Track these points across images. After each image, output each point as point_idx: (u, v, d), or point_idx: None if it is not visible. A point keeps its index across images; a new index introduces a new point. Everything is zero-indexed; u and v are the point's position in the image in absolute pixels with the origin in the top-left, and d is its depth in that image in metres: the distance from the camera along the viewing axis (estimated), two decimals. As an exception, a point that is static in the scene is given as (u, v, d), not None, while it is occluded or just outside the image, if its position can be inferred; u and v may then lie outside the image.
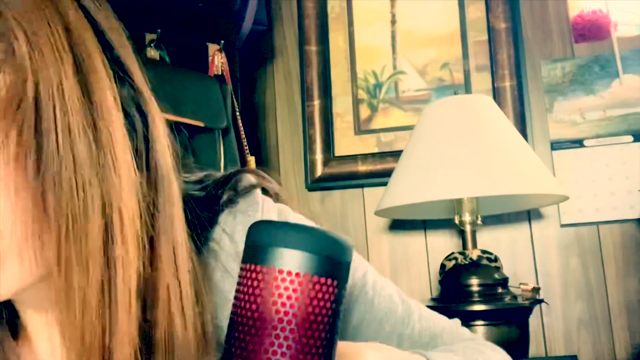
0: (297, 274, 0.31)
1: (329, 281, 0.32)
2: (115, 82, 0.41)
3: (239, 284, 0.33)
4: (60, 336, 0.39)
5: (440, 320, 0.65)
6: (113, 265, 0.39)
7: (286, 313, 0.31)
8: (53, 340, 0.48)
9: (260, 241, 0.32)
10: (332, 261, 0.32)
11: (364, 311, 0.55)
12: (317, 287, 0.31)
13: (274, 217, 0.52)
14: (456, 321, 0.66)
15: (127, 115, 0.42)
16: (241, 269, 0.33)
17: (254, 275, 0.32)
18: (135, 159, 0.42)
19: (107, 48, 0.42)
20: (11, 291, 0.40)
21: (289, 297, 0.31)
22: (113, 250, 0.39)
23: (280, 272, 0.31)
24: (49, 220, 0.38)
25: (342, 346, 0.36)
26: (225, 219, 0.50)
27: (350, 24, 1.62)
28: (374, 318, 0.48)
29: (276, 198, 0.54)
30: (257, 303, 0.31)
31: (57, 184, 0.37)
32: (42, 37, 0.37)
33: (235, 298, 0.33)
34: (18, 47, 0.37)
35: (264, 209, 0.51)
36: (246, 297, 0.32)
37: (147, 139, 0.43)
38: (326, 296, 0.32)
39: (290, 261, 0.31)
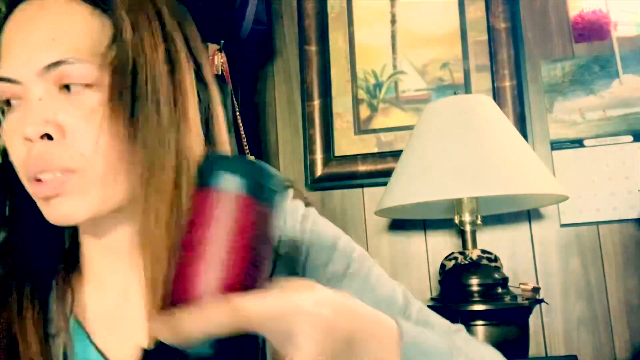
0: (227, 193, 0.38)
1: (251, 200, 0.39)
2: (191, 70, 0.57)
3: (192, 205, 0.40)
4: (141, 247, 0.52)
5: (439, 318, 0.64)
6: (180, 192, 0.52)
7: (216, 225, 0.38)
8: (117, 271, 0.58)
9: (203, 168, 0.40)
10: (258, 184, 0.39)
11: (361, 289, 0.59)
12: (241, 203, 0.38)
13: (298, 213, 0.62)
14: (458, 326, 0.66)
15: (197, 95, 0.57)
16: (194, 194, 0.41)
17: (199, 195, 0.39)
18: (202, 125, 0.57)
19: (187, 44, 0.57)
20: (90, 213, 0.52)
21: (220, 212, 0.38)
22: (181, 180, 0.52)
23: (212, 190, 0.39)
24: (135, 156, 0.52)
25: (293, 281, 0.40)
26: None
27: (350, 23, 1.62)
28: (371, 300, 0.50)
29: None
30: (200, 217, 0.39)
31: (145, 132, 0.51)
32: (143, 29, 0.53)
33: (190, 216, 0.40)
34: (125, 34, 0.52)
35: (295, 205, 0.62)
36: (195, 213, 0.39)
37: (209, 113, 0.58)
38: (250, 214, 0.38)
39: (220, 182, 0.38)
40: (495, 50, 1.51)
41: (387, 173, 1.34)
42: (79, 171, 0.51)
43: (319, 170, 1.55)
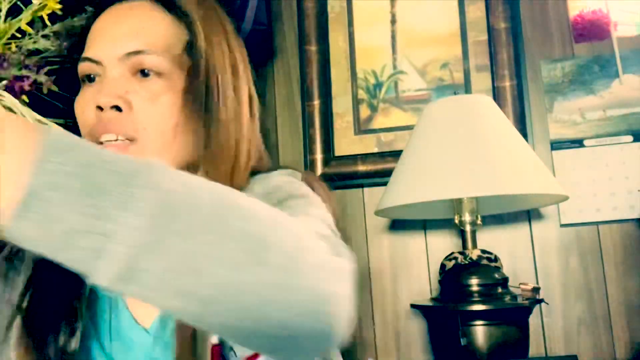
0: None
1: None
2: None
3: None
4: None
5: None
6: (236, 164, 0.64)
7: None
8: None
9: None
10: None
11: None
12: None
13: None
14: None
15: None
16: None
17: None
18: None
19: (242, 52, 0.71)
20: None
21: None
22: (238, 151, 0.65)
23: None
24: (192, 139, 0.63)
25: None
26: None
27: (350, 23, 1.62)
28: None
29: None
30: None
31: (214, 121, 0.63)
32: (214, 38, 0.66)
33: None
34: (198, 41, 0.64)
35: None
36: None
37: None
38: None
39: None
40: (495, 50, 1.51)
41: (387, 173, 1.34)
42: (139, 141, 0.61)
43: (319, 170, 1.55)
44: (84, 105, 0.64)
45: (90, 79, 0.65)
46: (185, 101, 0.63)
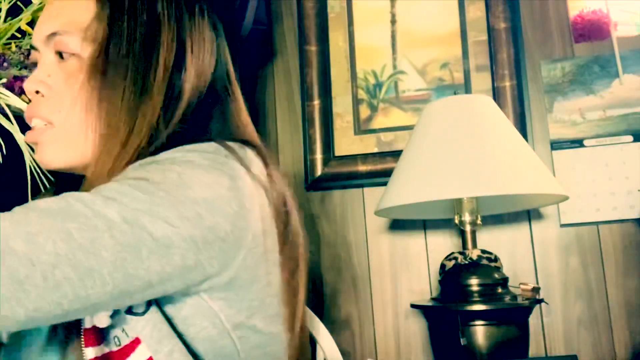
0: None
1: None
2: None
3: None
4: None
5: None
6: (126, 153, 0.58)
7: None
8: None
9: None
10: None
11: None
12: None
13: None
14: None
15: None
16: None
17: None
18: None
19: (178, 25, 0.64)
20: (63, 163, 0.61)
21: None
22: (128, 145, 0.58)
23: None
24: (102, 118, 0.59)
25: None
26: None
27: (350, 23, 1.62)
28: None
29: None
30: None
31: (108, 97, 0.59)
32: (122, 8, 0.61)
33: None
34: (103, 12, 0.61)
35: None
36: None
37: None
38: None
39: None
40: (495, 50, 1.51)
41: (387, 173, 1.34)
42: (56, 124, 0.61)
43: (319, 170, 1.55)
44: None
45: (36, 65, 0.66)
46: (90, 76, 0.60)
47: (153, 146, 0.59)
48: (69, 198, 0.48)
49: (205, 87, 0.65)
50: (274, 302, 0.60)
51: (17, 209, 0.46)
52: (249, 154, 0.60)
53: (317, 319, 1.13)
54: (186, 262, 0.49)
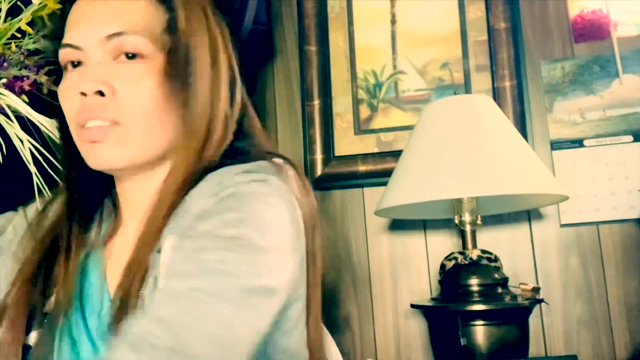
0: None
1: None
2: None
3: None
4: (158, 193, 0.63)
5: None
6: (208, 142, 0.64)
7: None
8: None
9: None
10: None
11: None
12: None
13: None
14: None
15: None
16: None
17: None
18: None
19: (224, 41, 0.70)
20: (127, 162, 0.63)
21: None
22: (211, 128, 0.65)
23: None
24: (172, 120, 0.64)
25: None
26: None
27: (350, 23, 1.62)
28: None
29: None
30: None
31: (189, 101, 0.63)
32: (194, 21, 0.65)
33: None
34: (177, 20, 0.64)
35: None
36: None
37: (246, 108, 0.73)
38: None
39: None
40: (495, 50, 1.51)
41: (387, 173, 1.34)
42: (122, 124, 0.62)
43: (319, 170, 1.55)
44: (68, 91, 0.65)
45: (73, 64, 0.66)
46: (165, 81, 0.63)
47: (218, 154, 0.65)
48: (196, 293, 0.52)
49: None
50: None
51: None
52: (290, 171, 0.65)
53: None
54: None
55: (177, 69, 0.63)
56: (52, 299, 0.64)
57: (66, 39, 0.65)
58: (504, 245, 1.44)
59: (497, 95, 1.48)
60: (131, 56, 0.63)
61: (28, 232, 0.70)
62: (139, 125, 0.63)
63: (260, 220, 0.57)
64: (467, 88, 1.52)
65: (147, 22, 0.64)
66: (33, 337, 0.61)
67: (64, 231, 0.68)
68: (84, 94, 0.62)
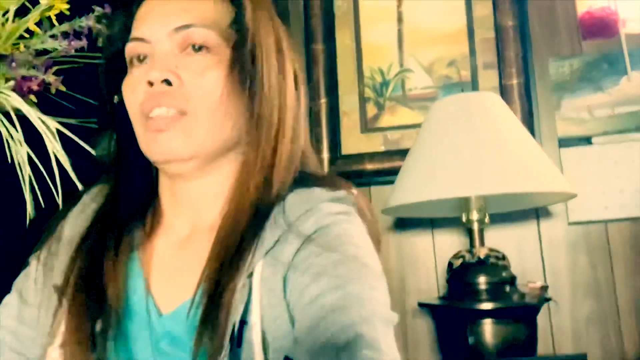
0: None
1: None
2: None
3: None
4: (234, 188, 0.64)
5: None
6: (279, 141, 0.64)
7: None
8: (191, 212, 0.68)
9: None
10: None
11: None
12: None
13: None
14: None
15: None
16: None
17: None
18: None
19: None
20: (191, 152, 0.63)
21: None
22: (282, 126, 0.65)
23: None
24: (239, 113, 0.64)
25: None
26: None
27: (357, 22, 1.62)
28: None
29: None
30: None
31: (257, 95, 0.64)
32: (261, 16, 0.66)
33: None
34: (245, 15, 0.65)
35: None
36: None
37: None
38: None
39: None
40: (503, 48, 1.50)
41: (394, 171, 1.34)
42: (188, 114, 0.62)
43: (326, 169, 1.55)
44: (134, 83, 0.65)
45: (139, 59, 0.66)
46: (232, 75, 0.63)
47: (293, 166, 0.66)
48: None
49: None
50: None
51: None
52: (362, 202, 0.66)
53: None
54: None
55: (244, 62, 0.64)
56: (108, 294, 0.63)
57: (134, 33, 0.66)
58: (512, 243, 1.44)
59: (504, 92, 1.47)
60: (198, 48, 0.63)
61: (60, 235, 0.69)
62: (204, 116, 0.62)
63: (362, 260, 0.59)
64: (474, 86, 1.51)
65: (215, 16, 0.65)
66: (98, 327, 0.61)
67: (109, 232, 0.67)
68: (151, 83, 0.62)
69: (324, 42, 1.60)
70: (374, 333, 0.52)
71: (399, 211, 1.36)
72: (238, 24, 0.65)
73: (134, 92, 0.64)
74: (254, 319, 0.56)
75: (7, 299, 0.69)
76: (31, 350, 0.66)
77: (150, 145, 0.63)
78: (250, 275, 0.58)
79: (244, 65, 0.64)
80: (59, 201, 0.75)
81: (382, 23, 1.60)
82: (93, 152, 0.72)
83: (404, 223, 1.51)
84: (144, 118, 0.63)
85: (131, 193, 0.70)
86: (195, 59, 0.63)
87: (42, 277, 0.67)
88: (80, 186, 0.73)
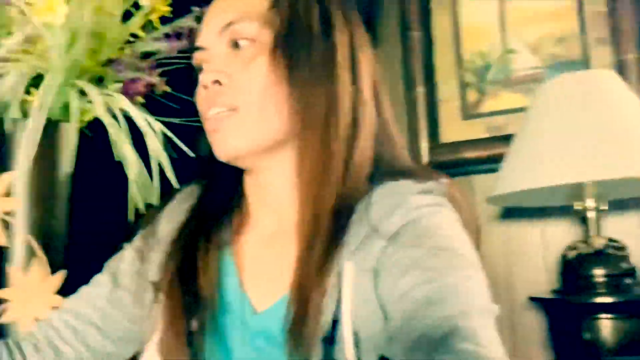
0: None
1: None
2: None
3: None
4: (297, 176, 0.62)
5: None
6: (330, 132, 0.62)
7: None
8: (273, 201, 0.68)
9: None
10: None
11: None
12: None
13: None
14: None
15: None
16: None
17: None
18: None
19: (343, 13, 0.67)
20: (249, 147, 0.63)
21: None
22: (335, 123, 0.62)
23: None
24: (290, 99, 0.62)
25: None
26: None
27: (455, 4, 1.56)
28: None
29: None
30: None
31: (299, 77, 0.62)
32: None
33: None
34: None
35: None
36: None
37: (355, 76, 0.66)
38: None
39: None
40: (618, 21, 1.38)
41: (498, 159, 1.28)
42: (239, 110, 0.62)
43: (425, 159, 1.51)
44: (198, 92, 0.67)
45: (201, 67, 0.68)
46: (275, 61, 0.62)
47: (362, 146, 0.63)
48: None
49: None
50: None
51: None
52: (456, 192, 0.66)
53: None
54: None
55: (286, 45, 0.63)
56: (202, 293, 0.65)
57: (196, 43, 0.68)
58: (632, 232, 1.33)
59: (620, 69, 1.36)
60: (243, 42, 0.64)
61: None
62: (254, 109, 0.62)
63: (455, 251, 0.57)
64: (586, 64, 1.41)
65: (254, 6, 0.65)
66: (194, 324, 0.63)
67: (201, 230, 0.68)
68: (205, 86, 0.64)
69: (420, 28, 1.56)
70: (472, 325, 0.49)
71: (505, 200, 1.30)
72: (278, 4, 0.64)
73: (198, 98, 0.67)
74: (345, 317, 0.55)
75: (99, 278, 0.73)
76: (114, 332, 0.70)
77: (213, 146, 0.65)
78: (339, 274, 0.57)
79: (286, 48, 0.62)
80: (156, 199, 0.78)
81: (482, 3, 1.53)
82: (191, 153, 0.75)
83: (511, 213, 1.45)
84: (205, 119, 0.66)
85: (220, 191, 0.71)
86: (240, 54, 0.64)
87: (137, 265, 0.70)
88: (176, 184, 0.76)
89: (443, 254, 0.55)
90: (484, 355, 0.47)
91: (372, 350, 0.56)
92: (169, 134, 0.79)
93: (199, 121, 0.69)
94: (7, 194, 0.78)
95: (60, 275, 0.77)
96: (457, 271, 0.54)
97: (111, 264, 0.73)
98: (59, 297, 0.76)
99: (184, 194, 0.74)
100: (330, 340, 0.55)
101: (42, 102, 0.73)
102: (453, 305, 0.51)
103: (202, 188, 0.72)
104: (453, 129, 1.52)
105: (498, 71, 1.49)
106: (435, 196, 0.61)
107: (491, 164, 1.40)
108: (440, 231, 0.58)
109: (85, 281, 0.74)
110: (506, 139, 1.37)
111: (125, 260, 0.72)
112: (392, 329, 0.54)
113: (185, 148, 0.77)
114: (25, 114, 0.78)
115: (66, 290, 0.76)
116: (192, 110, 0.71)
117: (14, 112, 0.77)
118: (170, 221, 0.70)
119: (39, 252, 0.76)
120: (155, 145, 0.78)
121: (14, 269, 0.76)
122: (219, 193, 0.71)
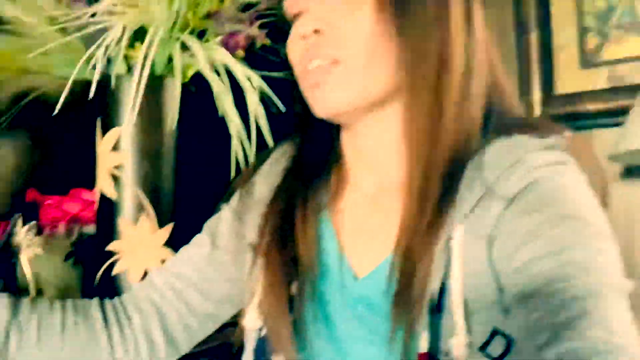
0: None
1: None
2: None
3: None
4: (404, 135, 0.58)
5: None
6: (443, 85, 0.57)
7: None
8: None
9: None
10: None
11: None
12: None
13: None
14: None
15: None
16: None
17: None
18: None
19: None
20: (351, 103, 0.59)
21: None
22: (447, 78, 0.57)
23: None
24: (398, 50, 0.57)
25: None
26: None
27: (577, -63, 1.42)
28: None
29: None
30: None
31: (410, 27, 0.57)
32: None
33: None
34: None
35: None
36: None
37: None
38: None
39: None
40: None
41: (622, 111, 1.21)
42: (343, 62, 0.58)
43: (537, 111, 1.43)
44: (292, 42, 0.63)
45: (295, 16, 0.63)
46: (381, 7, 0.57)
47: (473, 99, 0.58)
48: None
49: None
50: None
51: None
52: (583, 146, 0.59)
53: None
54: None
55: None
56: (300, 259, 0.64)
57: None
58: None
59: None
60: None
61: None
62: (359, 61, 0.58)
63: (584, 219, 0.51)
64: None
65: None
66: (294, 288, 0.62)
67: (297, 191, 0.66)
68: (304, 36, 0.60)
69: (535, -35, 1.45)
70: (603, 308, 0.44)
71: (630, 157, 1.21)
72: None
73: (292, 50, 0.62)
74: (455, 285, 0.52)
75: (199, 239, 0.72)
76: (214, 293, 0.69)
77: (312, 103, 0.61)
78: (449, 239, 0.53)
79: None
80: (251, 157, 0.77)
81: None
82: (283, 108, 0.72)
83: (634, 172, 1.33)
84: (304, 72, 0.61)
85: (316, 151, 0.68)
86: (343, 2, 0.58)
87: (236, 227, 0.69)
88: (271, 142, 0.74)
89: (570, 222, 0.50)
90: (616, 344, 0.42)
91: (483, 323, 0.52)
92: (269, 92, 0.78)
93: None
94: (115, 149, 0.80)
95: (168, 228, 0.79)
96: (586, 243, 0.49)
97: (210, 224, 0.73)
98: (167, 250, 0.78)
99: (278, 153, 0.71)
100: (437, 308, 0.52)
101: (145, 55, 0.73)
102: (581, 284, 0.46)
103: (297, 147, 0.70)
104: (570, 79, 1.42)
105: (624, 13, 1.37)
106: (558, 153, 0.55)
107: (613, 117, 1.31)
108: (566, 195, 0.52)
109: (192, 235, 0.75)
110: (631, 89, 1.29)
111: (223, 221, 0.71)
112: (508, 303, 0.50)
113: (281, 105, 0.75)
114: (129, 69, 0.79)
115: (174, 242, 0.78)
116: (289, 65, 0.68)
117: (119, 68, 0.78)
118: (266, 182, 0.69)
119: (148, 206, 0.78)
120: (254, 102, 0.76)
121: (124, 222, 0.79)
122: (314, 152, 0.68)
